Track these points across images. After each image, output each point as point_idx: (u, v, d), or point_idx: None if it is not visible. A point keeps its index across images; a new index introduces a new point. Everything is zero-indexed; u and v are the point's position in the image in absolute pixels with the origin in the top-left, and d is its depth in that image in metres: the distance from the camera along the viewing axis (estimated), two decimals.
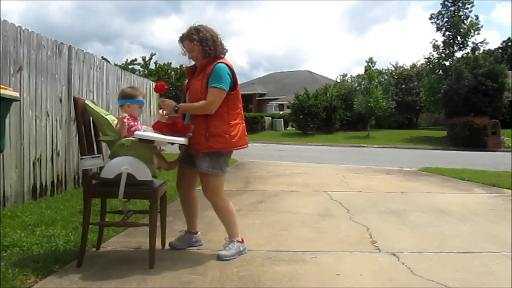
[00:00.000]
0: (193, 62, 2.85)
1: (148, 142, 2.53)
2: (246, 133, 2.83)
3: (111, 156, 2.57)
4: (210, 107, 2.62)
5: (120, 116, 2.63)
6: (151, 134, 2.54)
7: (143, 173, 2.53)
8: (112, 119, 2.64)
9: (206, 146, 2.64)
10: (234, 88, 2.71)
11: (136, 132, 2.52)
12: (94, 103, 2.73)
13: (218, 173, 2.71)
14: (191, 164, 2.79)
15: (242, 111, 2.84)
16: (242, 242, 2.82)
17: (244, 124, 2.83)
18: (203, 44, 2.68)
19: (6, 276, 2.24)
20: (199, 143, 2.64)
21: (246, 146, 2.79)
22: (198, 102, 2.64)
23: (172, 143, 2.64)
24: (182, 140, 2.59)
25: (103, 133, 2.63)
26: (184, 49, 2.79)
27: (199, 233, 3.02)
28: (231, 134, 2.67)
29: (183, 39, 2.75)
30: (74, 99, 2.59)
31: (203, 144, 2.64)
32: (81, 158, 2.55)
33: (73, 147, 5.21)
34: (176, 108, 2.67)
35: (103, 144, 2.80)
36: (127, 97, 2.73)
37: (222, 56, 2.76)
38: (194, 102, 2.66)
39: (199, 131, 2.64)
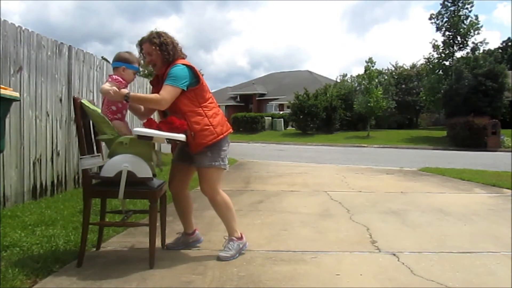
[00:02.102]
0: (153, 71, 2.85)
1: (147, 139, 2.54)
2: (226, 119, 2.87)
3: (110, 155, 2.57)
4: (161, 102, 2.61)
5: (112, 75, 2.64)
6: (150, 131, 2.55)
7: (143, 170, 2.53)
8: None
9: (196, 145, 2.67)
10: (197, 82, 2.71)
11: (135, 129, 2.54)
12: (92, 102, 2.73)
13: (220, 165, 2.76)
14: (187, 161, 2.81)
15: (214, 99, 2.84)
16: (241, 238, 2.82)
17: (221, 110, 2.87)
18: (163, 48, 2.68)
19: (6, 276, 2.24)
20: (190, 144, 2.67)
21: (231, 130, 2.86)
22: (151, 95, 2.69)
23: (170, 142, 2.64)
24: (180, 136, 2.61)
25: (101, 131, 2.63)
26: (143, 53, 2.77)
27: (196, 232, 3.01)
28: (213, 124, 2.70)
29: (142, 42, 2.74)
30: (74, 99, 2.59)
31: (192, 144, 2.66)
32: (81, 158, 2.55)
33: (73, 147, 5.21)
34: (126, 97, 2.58)
35: (103, 143, 2.81)
36: (123, 61, 2.73)
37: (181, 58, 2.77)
38: (174, 105, 2.66)
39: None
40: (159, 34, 2.71)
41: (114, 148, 2.56)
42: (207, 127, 2.68)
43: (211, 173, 2.75)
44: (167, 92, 2.60)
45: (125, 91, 2.59)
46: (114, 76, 2.65)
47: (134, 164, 2.52)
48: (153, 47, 2.68)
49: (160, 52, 2.69)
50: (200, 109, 2.70)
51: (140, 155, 2.55)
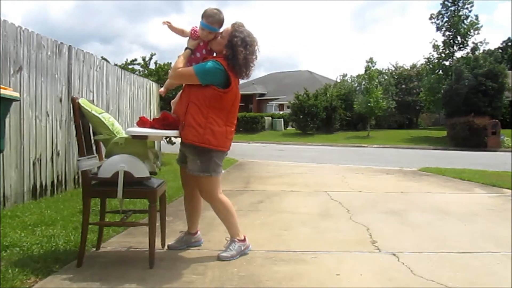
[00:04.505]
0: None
1: (142, 138, 2.54)
2: (230, 138, 2.73)
3: (107, 155, 2.58)
4: (173, 72, 2.65)
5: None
6: (144, 130, 2.56)
7: (139, 169, 2.53)
8: (107, 117, 2.64)
9: (181, 135, 2.62)
10: (223, 87, 2.61)
11: (128, 129, 2.55)
12: (92, 102, 2.73)
13: (211, 175, 2.67)
14: (186, 163, 2.79)
15: (233, 116, 2.73)
16: (243, 240, 2.80)
17: (232, 129, 2.73)
18: (230, 47, 2.64)
19: (6, 276, 2.24)
20: (180, 132, 2.65)
21: (224, 149, 2.70)
22: (183, 65, 2.66)
23: (172, 142, 2.65)
24: (174, 132, 2.61)
25: (97, 132, 2.63)
26: (212, 32, 2.70)
27: (198, 232, 3.01)
28: (207, 129, 2.58)
29: (232, 24, 2.71)
30: (72, 99, 2.59)
31: (180, 132, 2.62)
32: (78, 160, 2.55)
33: (73, 147, 5.21)
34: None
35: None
36: (202, 16, 2.71)
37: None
38: (187, 100, 2.66)
39: (180, 119, 2.67)
40: (244, 42, 2.64)
41: (110, 149, 2.56)
42: (198, 127, 2.57)
43: (202, 182, 2.71)
44: (186, 70, 2.63)
45: (189, 42, 2.73)
46: (195, 26, 2.74)
47: (131, 164, 2.51)
48: (228, 40, 2.65)
49: (226, 48, 2.66)
50: (206, 108, 2.59)
51: (137, 154, 2.55)
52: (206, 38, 2.72)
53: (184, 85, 2.77)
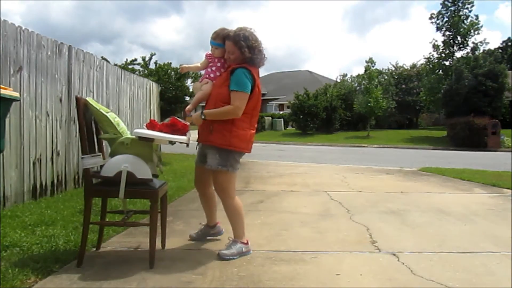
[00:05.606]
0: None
1: (148, 140, 2.55)
2: (252, 140, 2.86)
3: (111, 154, 2.58)
4: (236, 111, 2.67)
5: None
6: (151, 132, 2.56)
7: (142, 171, 2.53)
8: (113, 117, 2.65)
9: (206, 139, 2.76)
10: (251, 90, 2.73)
11: (135, 130, 2.56)
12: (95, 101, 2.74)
13: (229, 170, 2.76)
14: (205, 163, 2.84)
15: (255, 119, 2.86)
16: (246, 243, 2.83)
17: (253, 132, 2.85)
18: (244, 51, 2.72)
19: (6, 276, 2.24)
20: (202, 135, 2.79)
21: (247, 151, 2.83)
22: (224, 107, 2.68)
23: (173, 143, 2.66)
24: (182, 138, 2.62)
25: (104, 130, 2.64)
26: (218, 48, 2.84)
27: (218, 225, 3.13)
28: (233, 133, 2.70)
29: (226, 37, 2.78)
30: (76, 98, 2.59)
31: (205, 137, 2.77)
32: (82, 157, 2.56)
33: (73, 147, 5.21)
34: (203, 117, 2.73)
35: (104, 142, 2.81)
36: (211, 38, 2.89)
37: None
38: (214, 104, 2.74)
39: (206, 123, 2.74)
40: (246, 38, 2.72)
41: (115, 148, 2.57)
42: (226, 132, 2.69)
43: (219, 176, 2.78)
44: (238, 100, 2.66)
45: (197, 114, 2.75)
46: (208, 52, 2.89)
47: (134, 165, 2.52)
48: (237, 49, 2.73)
49: (241, 55, 2.73)
50: None
51: (141, 156, 2.56)
52: (216, 55, 2.86)
53: (211, 90, 2.84)
